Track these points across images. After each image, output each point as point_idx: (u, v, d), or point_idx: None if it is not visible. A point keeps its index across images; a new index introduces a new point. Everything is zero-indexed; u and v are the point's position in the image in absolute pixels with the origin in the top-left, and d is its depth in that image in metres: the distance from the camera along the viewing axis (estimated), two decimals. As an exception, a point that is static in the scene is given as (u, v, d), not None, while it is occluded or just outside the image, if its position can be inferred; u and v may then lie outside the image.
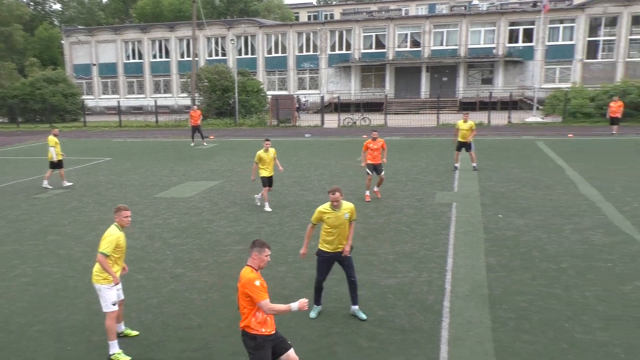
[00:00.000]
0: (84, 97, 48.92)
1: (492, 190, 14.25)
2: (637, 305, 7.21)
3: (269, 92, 44.24)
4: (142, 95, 53.82)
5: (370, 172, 13.78)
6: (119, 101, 44.54)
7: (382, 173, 13.87)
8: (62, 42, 58.76)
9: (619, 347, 6.22)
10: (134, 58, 54.57)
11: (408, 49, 47.45)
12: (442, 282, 8.25)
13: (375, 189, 13.97)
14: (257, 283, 5.04)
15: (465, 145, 17.13)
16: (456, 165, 17.57)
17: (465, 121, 17.17)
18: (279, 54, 50.58)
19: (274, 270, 8.90)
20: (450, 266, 8.88)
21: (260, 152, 12.97)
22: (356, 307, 7.37)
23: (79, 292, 8.38)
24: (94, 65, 54.97)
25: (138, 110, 50.03)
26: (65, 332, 7.11)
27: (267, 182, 13.09)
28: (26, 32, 68.10)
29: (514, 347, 6.30)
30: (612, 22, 43.50)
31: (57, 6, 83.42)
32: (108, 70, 54.98)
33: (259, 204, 13.38)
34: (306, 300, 5.05)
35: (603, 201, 12.69)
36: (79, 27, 61.49)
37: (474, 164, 17.33)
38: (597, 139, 24.00)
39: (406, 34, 47.62)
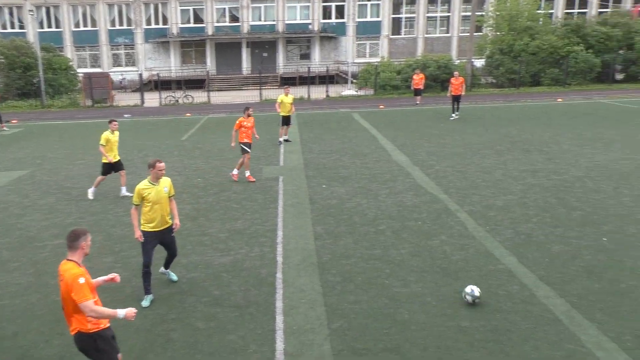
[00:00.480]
0: None
1: (315, 162, 14.94)
2: (443, 257, 8.19)
3: (80, 70, 40.69)
4: None
5: (249, 150, 13.11)
6: None
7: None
8: None
9: (430, 295, 7.03)
10: None
11: (227, 24, 46.97)
12: (273, 255, 8.52)
13: (235, 171, 13.32)
14: (82, 281, 4.38)
15: (286, 120, 18.01)
16: (280, 140, 18.08)
17: (287, 95, 18.03)
18: (89, 28, 46.59)
19: (100, 262, 8.41)
20: (281, 239, 9.20)
21: (107, 134, 11.87)
22: (167, 270, 7.73)
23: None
24: None
25: None
26: None
27: (111, 168, 12.07)
28: None
29: (342, 309, 6.78)
30: (412, 0, 47.57)
31: None
32: None
33: (91, 197, 12.21)
34: (135, 311, 4.59)
35: (411, 166, 14.05)
36: None
37: (287, 137, 18.27)
38: (405, 109, 26.34)
39: (224, 9, 47.03)
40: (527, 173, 12.84)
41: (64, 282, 4.45)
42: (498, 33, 36.36)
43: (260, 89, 33.92)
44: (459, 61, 37.52)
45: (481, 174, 12.92)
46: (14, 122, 26.17)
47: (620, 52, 35.45)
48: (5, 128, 23.54)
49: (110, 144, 11.89)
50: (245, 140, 13.06)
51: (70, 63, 38.14)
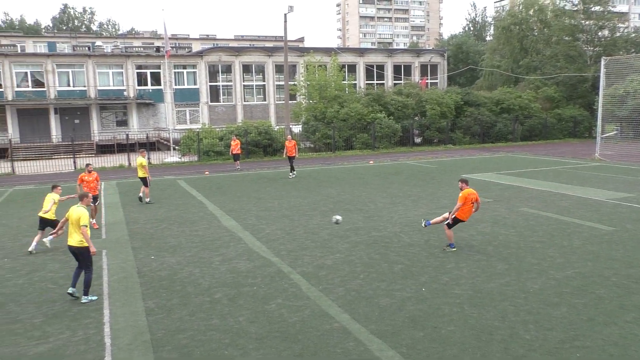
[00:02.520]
0: None
1: (141, 232, 14.22)
2: (281, 321, 8.23)
3: None
4: None
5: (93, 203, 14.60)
6: None
7: (97, 203, 15.63)
8: None
9: (271, 360, 6.99)
10: None
11: (30, 88, 43.52)
12: (101, 337, 7.80)
13: (93, 220, 14.87)
14: None
15: (143, 180, 18.75)
16: (147, 200, 18.89)
17: (144, 156, 19.27)
18: None
19: None
20: (108, 318, 8.48)
21: None
22: None
23: None
24: None
25: None
26: None
27: None
28: None
29: (182, 385, 6.40)
30: (228, 69, 49.05)
31: None
32: None
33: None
34: None
35: (242, 231, 14.10)
36: None
37: (148, 199, 18.97)
38: (230, 175, 26.53)
39: (26, 72, 43.64)
40: (350, 232, 13.66)
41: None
42: (311, 101, 38.98)
43: (74, 157, 31.62)
44: (278, 127, 39.22)
45: (309, 235, 13.43)
46: None
47: (416, 118, 40.33)
48: None
49: None
50: (94, 194, 15.14)
51: None
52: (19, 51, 51.85)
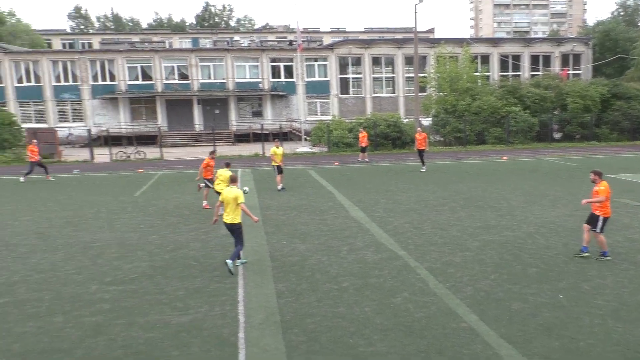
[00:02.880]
0: None
1: (273, 218, 14.86)
2: (406, 315, 8.17)
3: (25, 125, 39.61)
4: None
5: (212, 185, 16.03)
6: None
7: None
8: None
9: (395, 355, 6.96)
10: None
11: (177, 81, 47.19)
12: (235, 314, 8.28)
13: (205, 202, 16.56)
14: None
15: (281, 168, 19.83)
16: (279, 187, 19.58)
17: (278, 147, 19.78)
18: (33, 84, 45.80)
19: (48, 322, 7.96)
20: (242, 297, 8.99)
21: None
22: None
23: None
24: None
25: None
26: None
27: None
28: None
29: (310, 368, 6.61)
30: (358, 62, 49.39)
31: None
32: None
33: None
34: None
35: (370, 222, 14.19)
36: None
37: (281, 186, 19.67)
38: (358, 166, 26.80)
39: (173, 67, 47.34)
40: (481, 229, 13.17)
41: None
42: (441, 94, 38.03)
43: (214, 145, 33.86)
44: (407, 120, 38.82)
45: (438, 231, 13.17)
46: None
47: (555, 112, 37.70)
48: None
49: None
50: (210, 177, 16.42)
51: (14, 118, 37.07)
52: (167, 47, 56.40)
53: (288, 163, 28.11)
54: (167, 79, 46.93)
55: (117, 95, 45.58)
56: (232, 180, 10.65)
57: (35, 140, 25.16)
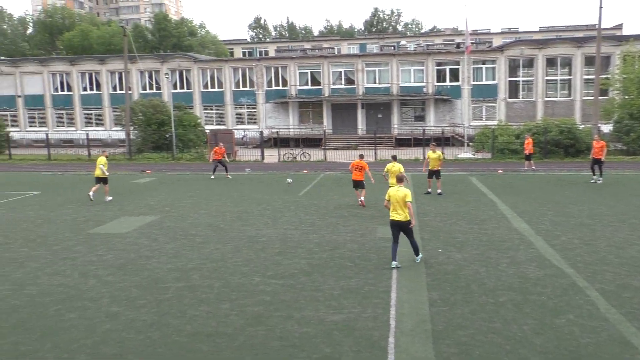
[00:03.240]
0: (8, 129, 46.67)
1: (430, 225, 14.64)
2: (570, 339, 7.51)
3: (207, 127, 43.93)
4: (73, 128, 52.10)
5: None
6: (47, 134, 42.85)
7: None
8: (-15, 72, 56.25)
9: (557, 377, 6.45)
10: (62, 90, 52.89)
11: (343, 86, 48.63)
12: (387, 318, 8.31)
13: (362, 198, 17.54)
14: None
15: (435, 173, 19.31)
16: (429, 190, 19.78)
17: (433, 151, 19.32)
18: (216, 89, 50.53)
19: (216, 308, 8.71)
20: (395, 301, 8.99)
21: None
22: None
23: (3, 333, 7.86)
24: (19, 96, 52.78)
25: (69, 143, 48.24)
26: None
27: None
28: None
29: (460, 381, 6.40)
30: (530, 63, 46.48)
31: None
32: (35, 102, 52.97)
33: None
34: None
35: (534, 235, 13.30)
36: (2, 58, 59.08)
37: (440, 190, 19.55)
38: (524, 175, 25.26)
39: (340, 72, 48.86)
40: (668, 250, 11.64)
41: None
42: (626, 97, 34.24)
43: (375, 149, 34.34)
44: (583, 126, 35.66)
45: (613, 249, 11.91)
46: (148, 172, 28.49)
47: None
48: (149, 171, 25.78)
49: None
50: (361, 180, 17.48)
51: (199, 120, 41.24)
52: (336, 53, 58.43)
53: (448, 169, 27.49)
54: (334, 83, 48.65)
55: (288, 100, 48.37)
56: (399, 179, 11.14)
57: (221, 143, 27.71)
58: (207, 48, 78.91)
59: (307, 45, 72.63)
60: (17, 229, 14.95)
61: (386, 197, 10.94)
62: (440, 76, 47.49)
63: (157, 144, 38.00)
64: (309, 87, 49.01)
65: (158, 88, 50.65)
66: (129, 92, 43.96)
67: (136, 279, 10.32)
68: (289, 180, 18.89)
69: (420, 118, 47.76)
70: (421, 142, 35.88)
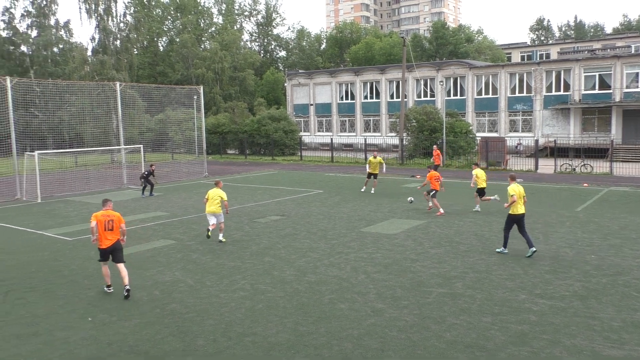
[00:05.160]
0: (301, 133, 53.21)
1: None
2: None
3: (478, 134, 43.20)
4: (353, 134, 56.68)
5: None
6: (331, 138, 47.51)
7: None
8: (285, 84, 65.11)
9: None
10: (346, 99, 57.93)
11: (639, 89, 42.48)
12: (683, 364, 6.99)
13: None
14: None
15: None
16: None
17: None
18: (490, 95, 49.24)
19: (477, 320, 8.48)
20: (695, 346, 7.50)
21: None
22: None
23: (287, 313, 8.97)
24: (311, 105, 59.62)
25: (348, 147, 52.79)
26: (274, 348, 7.63)
27: None
28: (256, 76, 77.38)
29: None
30: None
31: (282, 53, 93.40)
32: (323, 109, 59.16)
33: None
34: None
35: None
36: (300, 71, 67.53)
37: None
38: None
39: (637, 73, 42.77)
40: None
41: None
42: None
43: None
44: None
45: None
46: (417, 177, 29.34)
47: None
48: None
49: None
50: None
51: (470, 127, 40.78)
52: (633, 52, 51.39)
53: None
54: (628, 87, 42.93)
55: (569, 106, 44.40)
56: None
57: (435, 146, 27.30)
58: (483, 54, 77.58)
59: (596, 45, 65.61)
60: (302, 222, 16.94)
61: None
62: None
63: (428, 150, 38.86)
64: (596, 91, 44.07)
65: (432, 95, 51.75)
66: (405, 99, 45.92)
67: (400, 280, 10.72)
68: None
69: None
70: None
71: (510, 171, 32.26)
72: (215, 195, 13.99)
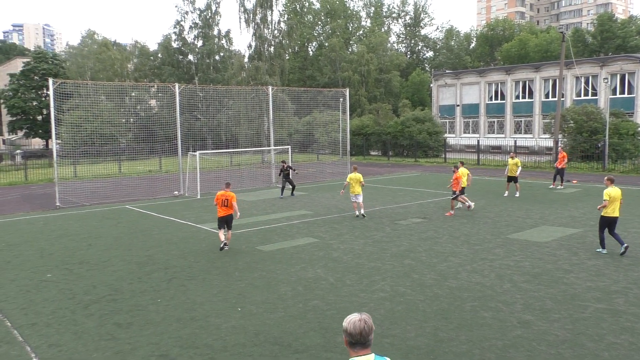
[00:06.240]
0: (446, 135, 51.88)
1: None
2: None
3: (648, 136, 38.76)
4: (502, 135, 54.02)
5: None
6: (478, 140, 45.72)
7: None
8: (431, 85, 63.93)
9: None
10: (496, 99, 55.37)
11: None
12: None
13: None
14: None
15: None
16: None
17: None
18: (666, 93, 43.96)
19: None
20: None
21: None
22: None
23: (427, 317, 8.76)
24: (458, 106, 57.90)
25: (496, 149, 50.38)
26: (412, 351, 7.49)
27: None
28: (401, 77, 77.00)
29: None
30: None
31: (429, 54, 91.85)
32: (470, 110, 57.15)
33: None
34: None
35: None
36: (447, 71, 65.88)
37: None
38: None
39: None
40: None
41: None
42: None
43: None
44: None
45: None
46: (574, 182, 27.14)
47: None
48: (561, 186, 24.79)
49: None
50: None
51: (639, 129, 36.71)
52: None
53: None
54: None
55: None
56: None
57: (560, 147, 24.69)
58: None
59: None
60: (444, 226, 16.50)
61: None
62: None
63: (587, 153, 35.71)
64: None
65: (594, 94, 47.47)
66: (562, 98, 42.66)
67: (551, 291, 9.97)
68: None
69: None
70: None
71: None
72: (356, 178, 17.55)
